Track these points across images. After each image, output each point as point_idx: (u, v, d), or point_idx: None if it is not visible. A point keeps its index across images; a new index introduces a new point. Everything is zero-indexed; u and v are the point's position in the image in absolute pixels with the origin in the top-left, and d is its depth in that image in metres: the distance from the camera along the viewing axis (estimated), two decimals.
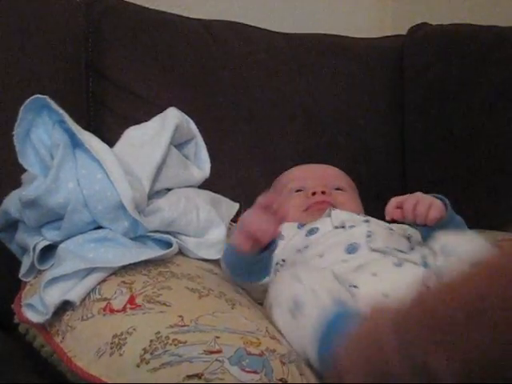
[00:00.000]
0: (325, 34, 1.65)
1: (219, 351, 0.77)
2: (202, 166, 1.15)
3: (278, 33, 1.61)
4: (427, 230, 1.07)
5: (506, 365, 0.61)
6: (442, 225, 1.06)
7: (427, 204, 1.06)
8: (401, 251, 1.05)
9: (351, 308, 0.84)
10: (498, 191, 1.41)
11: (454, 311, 0.63)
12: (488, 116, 1.45)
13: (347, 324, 0.77)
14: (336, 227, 1.11)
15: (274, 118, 1.53)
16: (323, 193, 1.21)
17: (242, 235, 0.93)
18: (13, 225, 1.02)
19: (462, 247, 0.99)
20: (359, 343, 0.72)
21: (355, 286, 0.95)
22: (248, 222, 0.93)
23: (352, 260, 1.03)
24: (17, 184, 1.02)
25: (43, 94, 0.95)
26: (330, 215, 1.15)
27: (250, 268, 0.99)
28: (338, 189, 1.25)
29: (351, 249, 1.06)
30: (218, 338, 0.79)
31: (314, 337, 0.82)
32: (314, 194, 1.21)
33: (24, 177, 1.02)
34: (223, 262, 1.02)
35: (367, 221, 1.12)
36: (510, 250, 0.64)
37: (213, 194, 1.15)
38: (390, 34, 1.75)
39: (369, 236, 1.07)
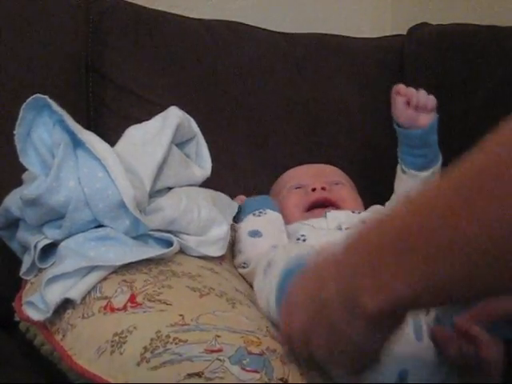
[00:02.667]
0: (325, 34, 1.66)
1: (220, 350, 0.77)
2: (203, 164, 1.15)
3: (278, 33, 1.61)
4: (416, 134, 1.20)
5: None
6: (429, 131, 1.20)
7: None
8: None
9: (307, 257, 0.85)
10: None
11: (386, 241, 0.60)
12: (488, 116, 1.44)
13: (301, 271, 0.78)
14: (330, 230, 1.13)
15: (274, 118, 1.53)
16: (323, 189, 1.22)
17: None
18: (13, 223, 1.02)
19: None
20: (305, 279, 0.72)
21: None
22: None
23: None
24: (17, 183, 1.02)
25: (43, 94, 0.95)
26: (325, 216, 1.16)
27: None
28: (337, 184, 1.26)
29: None
30: (218, 337, 0.79)
31: (274, 287, 0.84)
32: (313, 190, 1.22)
33: (25, 176, 1.02)
34: None
35: (364, 222, 1.13)
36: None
37: (214, 191, 1.15)
38: (389, 34, 1.75)
39: None
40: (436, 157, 1.24)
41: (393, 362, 0.77)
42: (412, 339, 0.80)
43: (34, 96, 0.94)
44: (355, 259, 0.63)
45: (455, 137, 1.49)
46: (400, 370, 0.79)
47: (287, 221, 1.17)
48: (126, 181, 0.91)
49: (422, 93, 1.22)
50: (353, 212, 1.17)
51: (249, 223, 1.13)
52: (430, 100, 1.21)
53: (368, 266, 0.61)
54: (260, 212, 1.14)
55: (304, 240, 1.10)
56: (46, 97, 0.94)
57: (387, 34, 1.76)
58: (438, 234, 0.54)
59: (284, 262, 0.87)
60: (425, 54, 1.60)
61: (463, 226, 0.52)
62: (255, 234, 1.10)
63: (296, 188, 1.25)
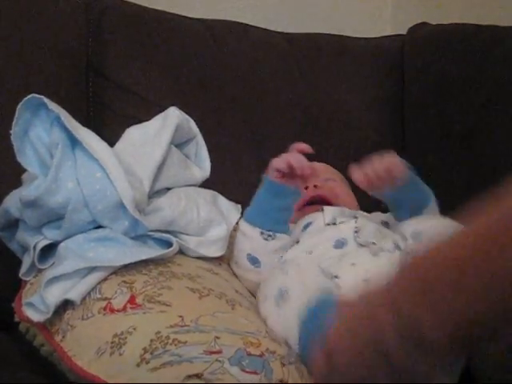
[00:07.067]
0: (325, 34, 1.66)
1: (219, 351, 0.78)
2: (202, 165, 1.15)
3: (278, 33, 1.61)
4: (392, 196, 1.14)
5: (493, 325, 0.59)
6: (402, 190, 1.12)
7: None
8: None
9: (335, 295, 0.84)
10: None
11: (443, 273, 0.60)
12: (488, 115, 1.45)
13: (331, 310, 0.76)
14: (328, 224, 1.13)
15: (274, 118, 1.53)
16: (315, 186, 1.23)
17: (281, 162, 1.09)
18: (13, 223, 1.02)
19: (432, 230, 1.01)
20: (349, 322, 0.70)
21: (336, 277, 0.96)
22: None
23: (338, 254, 1.05)
24: (17, 183, 1.02)
25: (43, 94, 0.95)
26: (322, 210, 1.16)
27: (273, 210, 1.09)
28: (328, 180, 1.27)
29: (339, 244, 1.07)
30: (218, 338, 0.79)
31: (297, 323, 0.83)
32: (306, 188, 1.23)
33: (24, 176, 1.02)
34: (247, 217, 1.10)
35: (356, 216, 1.13)
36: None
37: (214, 192, 1.15)
38: (389, 34, 1.75)
39: (356, 232, 1.09)
40: (424, 200, 1.16)
41: None
42: None
43: (29, 96, 0.94)
44: (412, 293, 0.62)
45: (455, 137, 1.49)
46: None
47: None
48: (125, 181, 0.91)
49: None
50: (349, 209, 1.18)
51: (254, 243, 1.09)
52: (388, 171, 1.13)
53: (427, 299, 0.60)
54: (269, 235, 1.09)
55: (297, 242, 1.11)
56: (41, 96, 0.94)
57: (387, 34, 1.75)
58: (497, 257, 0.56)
59: (302, 296, 0.86)
60: (425, 54, 1.59)
61: None
62: (254, 261, 1.08)
63: None
